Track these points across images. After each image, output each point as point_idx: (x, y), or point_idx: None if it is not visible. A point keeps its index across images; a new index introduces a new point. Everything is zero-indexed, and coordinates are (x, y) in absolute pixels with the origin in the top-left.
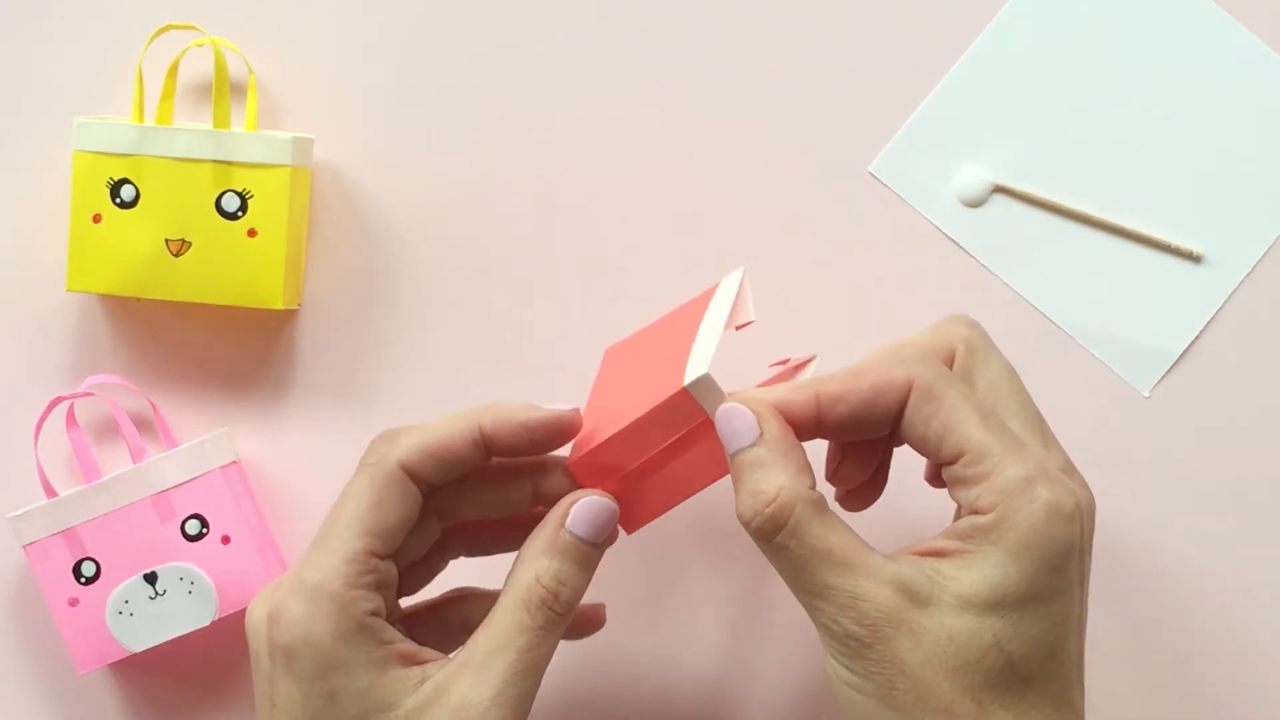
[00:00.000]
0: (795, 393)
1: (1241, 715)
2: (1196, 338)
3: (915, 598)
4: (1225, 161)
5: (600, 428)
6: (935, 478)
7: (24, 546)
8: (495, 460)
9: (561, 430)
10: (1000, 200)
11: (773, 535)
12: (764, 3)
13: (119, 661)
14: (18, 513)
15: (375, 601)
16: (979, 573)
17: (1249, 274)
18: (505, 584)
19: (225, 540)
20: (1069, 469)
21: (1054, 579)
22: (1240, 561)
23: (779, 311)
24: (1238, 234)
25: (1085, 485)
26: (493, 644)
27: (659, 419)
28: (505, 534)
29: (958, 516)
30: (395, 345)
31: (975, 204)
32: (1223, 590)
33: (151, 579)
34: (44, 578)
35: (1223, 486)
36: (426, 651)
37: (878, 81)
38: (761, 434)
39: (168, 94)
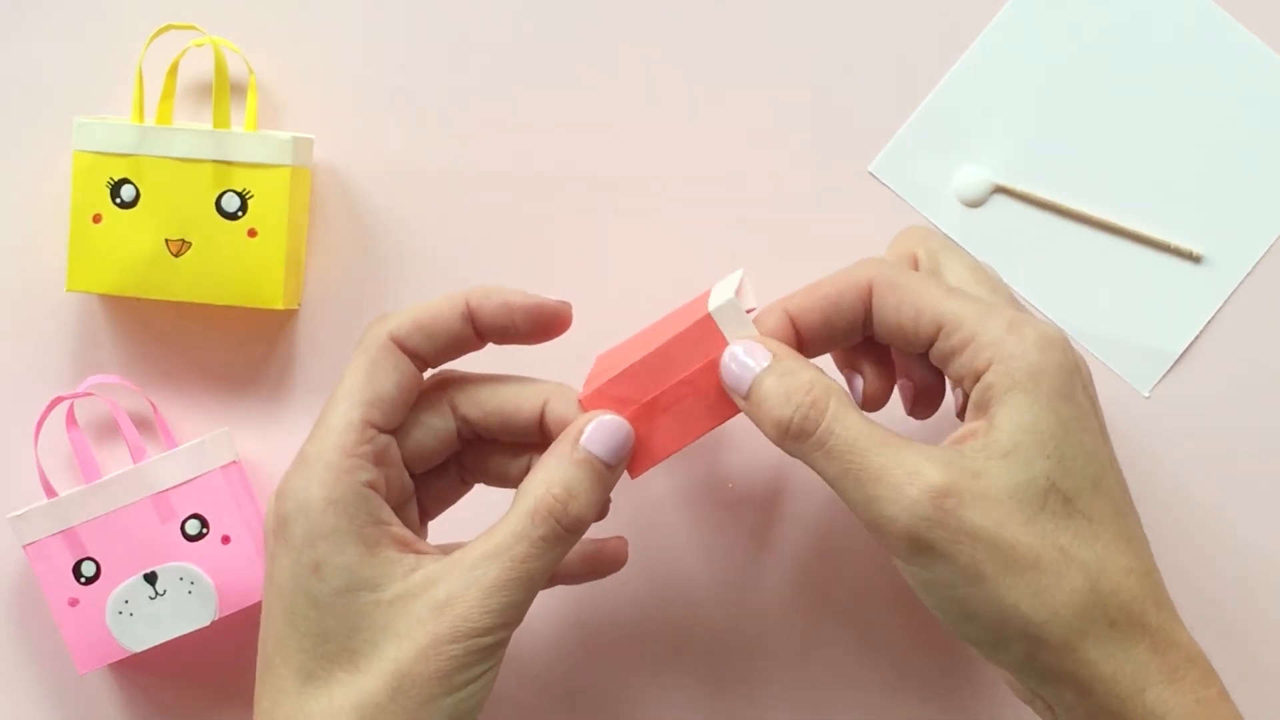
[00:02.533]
0: (765, 319)
1: (1241, 713)
2: (1196, 338)
3: (967, 471)
4: (1225, 161)
5: (612, 370)
6: (962, 411)
7: (24, 546)
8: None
9: (545, 318)
10: (1000, 200)
11: (815, 427)
12: (764, 2)
13: (119, 661)
14: (18, 513)
15: (372, 473)
16: (1010, 424)
17: (1249, 274)
18: (515, 495)
19: (225, 540)
20: (1056, 330)
21: (1070, 406)
22: (1239, 561)
23: None
24: (1238, 234)
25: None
26: (490, 547)
27: (680, 349)
28: (520, 455)
29: (963, 409)
30: None
31: (975, 204)
32: (1221, 590)
33: (151, 579)
34: (44, 578)
35: (1222, 486)
36: (423, 543)
37: (878, 81)
38: (773, 354)
39: (168, 94)
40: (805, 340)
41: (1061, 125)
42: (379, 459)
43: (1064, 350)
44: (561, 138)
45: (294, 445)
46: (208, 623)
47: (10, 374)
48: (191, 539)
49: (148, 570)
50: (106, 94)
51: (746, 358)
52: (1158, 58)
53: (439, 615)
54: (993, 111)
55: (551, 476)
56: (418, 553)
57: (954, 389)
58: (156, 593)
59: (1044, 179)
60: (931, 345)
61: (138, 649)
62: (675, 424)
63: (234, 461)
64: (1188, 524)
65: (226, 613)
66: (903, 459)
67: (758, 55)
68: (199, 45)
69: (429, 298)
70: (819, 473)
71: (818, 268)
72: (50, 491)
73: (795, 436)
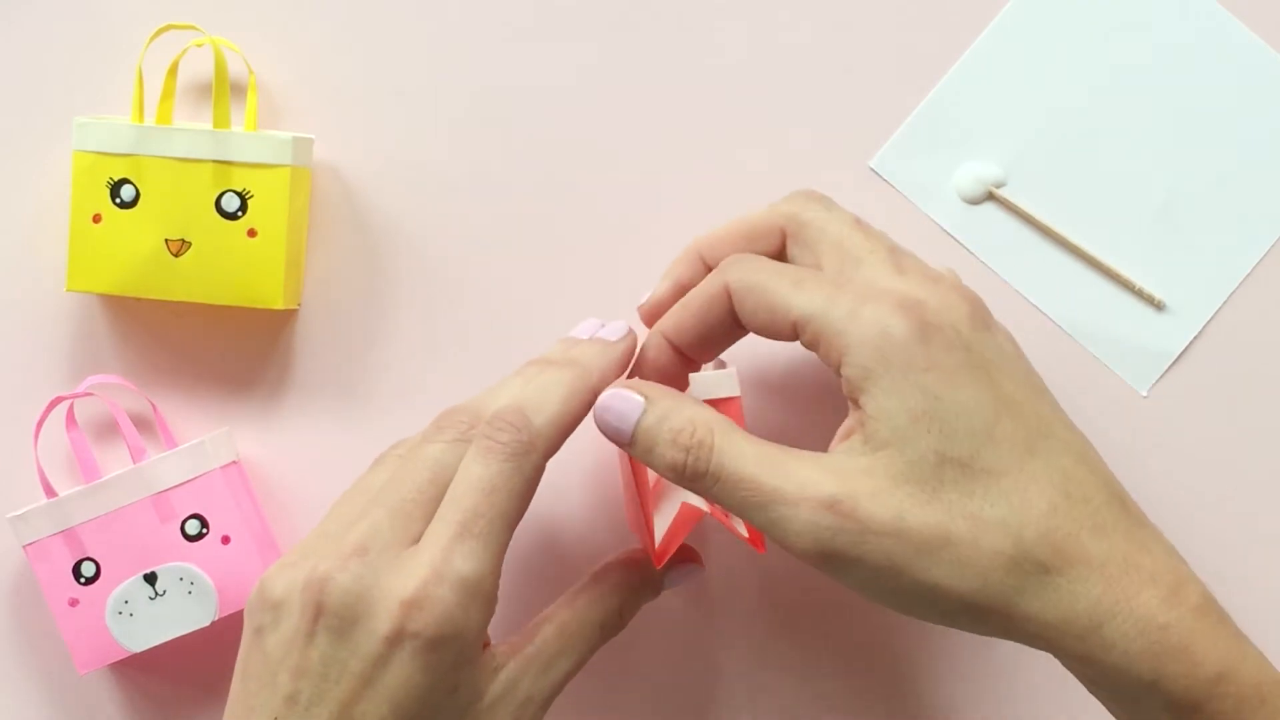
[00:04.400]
0: (646, 348)
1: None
2: (1195, 338)
3: (855, 469)
4: (1228, 162)
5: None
6: None
7: (24, 546)
8: None
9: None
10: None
11: (705, 465)
12: None
13: (119, 661)
14: (18, 513)
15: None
16: (879, 412)
17: (1250, 273)
18: (585, 595)
19: (225, 540)
20: (928, 280)
21: (932, 372)
22: (1236, 561)
23: None
24: (1238, 233)
25: (951, 286)
26: (560, 648)
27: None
28: None
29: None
30: (395, 345)
31: (976, 201)
32: (1219, 591)
33: (151, 579)
34: (44, 578)
35: (1220, 486)
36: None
37: (879, 77)
38: (646, 396)
39: (168, 94)
40: (690, 356)
41: (1062, 123)
42: None
43: (906, 312)
44: (561, 136)
45: (294, 445)
46: (208, 623)
47: (10, 374)
48: (191, 539)
49: (148, 570)
50: (106, 94)
51: (620, 405)
52: (1158, 57)
53: (520, 713)
54: (995, 108)
55: (627, 601)
56: (486, 647)
57: None
58: (156, 593)
59: (1045, 176)
60: (801, 342)
61: (138, 649)
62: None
63: (234, 461)
64: (1185, 523)
65: (226, 613)
66: (792, 475)
67: (759, 50)
68: (199, 45)
69: (430, 296)
70: (719, 504)
71: None
72: (50, 491)
73: (691, 478)
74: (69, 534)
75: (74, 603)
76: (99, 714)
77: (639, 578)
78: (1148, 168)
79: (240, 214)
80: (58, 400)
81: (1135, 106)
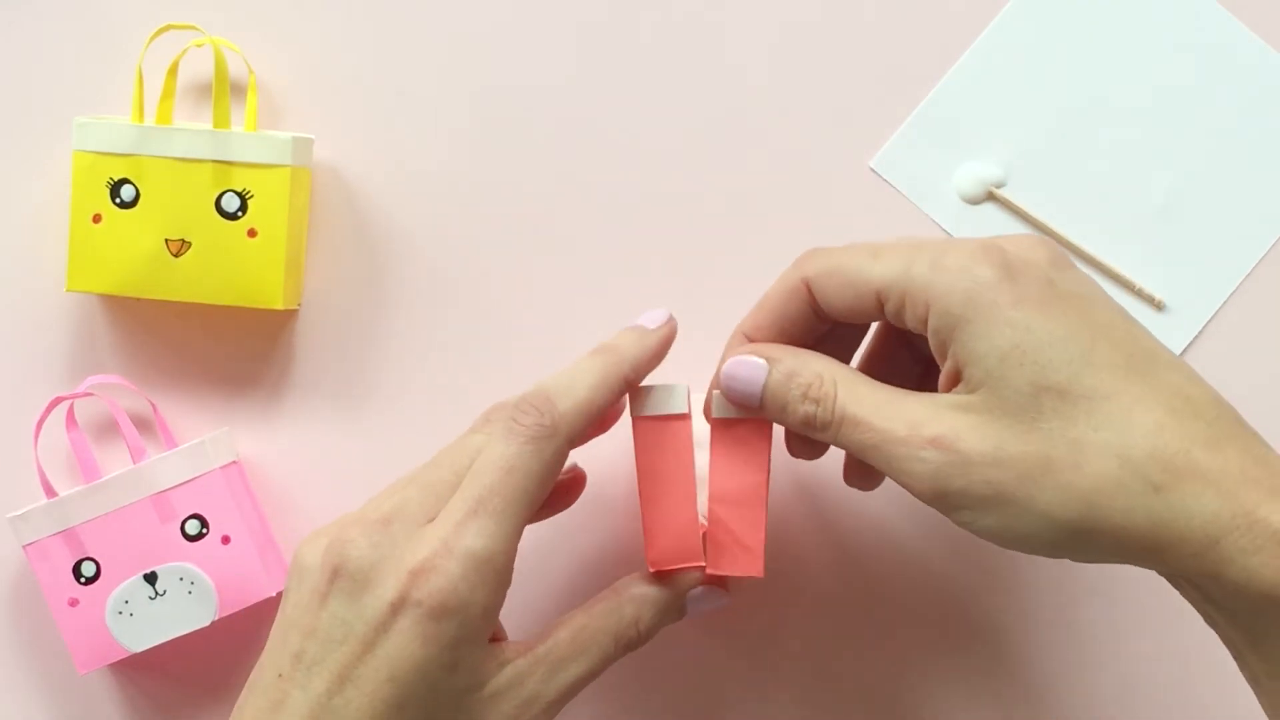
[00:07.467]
0: (730, 348)
1: (1239, 715)
2: (1195, 337)
3: (959, 407)
4: (1228, 162)
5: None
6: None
7: (24, 546)
8: None
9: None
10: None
11: (830, 415)
12: None
13: (119, 661)
14: (18, 513)
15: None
16: (971, 358)
17: (1250, 273)
18: (602, 603)
19: (225, 540)
20: (1004, 236)
21: (1018, 308)
22: None
23: None
24: (1238, 233)
25: (1027, 236)
26: (573, 652)
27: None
28: None
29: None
30: (395, 345)
31: (976, 201)
32: None
33: (151, 579)
34: (44, 578)
35: None
36: (499, 628)
37: (880, 77)
38: (768, 358)
39: (168, 94)
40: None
41: (1061, 123)
42: None
43: (987, 256)
44: (560, 135)
45: (294, 445)
46: (208, 623)
47: (10, 374)
48: (191, 539)
49: (148, 570)
50: (106, 94)
51: (745, 371)
52: (1158, 57)
53: (522, 711)
54: (994, 108)
55: (645, 615)
56: (498, 641)
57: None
58: (156, 593)
59: (1045, 175)
60: (884, 314)
61: (138, 649)
62: (740, 513)
63: (234, 461)
64: None
65: (226, 613)
66: (904, 416)
67: (759, 50)
68: (199, 45)
69: (430, 296)
70: (842, 448)
71: None
72: (50, 491)
73: (820, 428)
74: (69, 534)
75: (74, 603)
76: (99, 714)
77: (660, 595)
78: (1148, 168)
79: (240, 214)
80: (58, 400)
81: (1135, 106)
